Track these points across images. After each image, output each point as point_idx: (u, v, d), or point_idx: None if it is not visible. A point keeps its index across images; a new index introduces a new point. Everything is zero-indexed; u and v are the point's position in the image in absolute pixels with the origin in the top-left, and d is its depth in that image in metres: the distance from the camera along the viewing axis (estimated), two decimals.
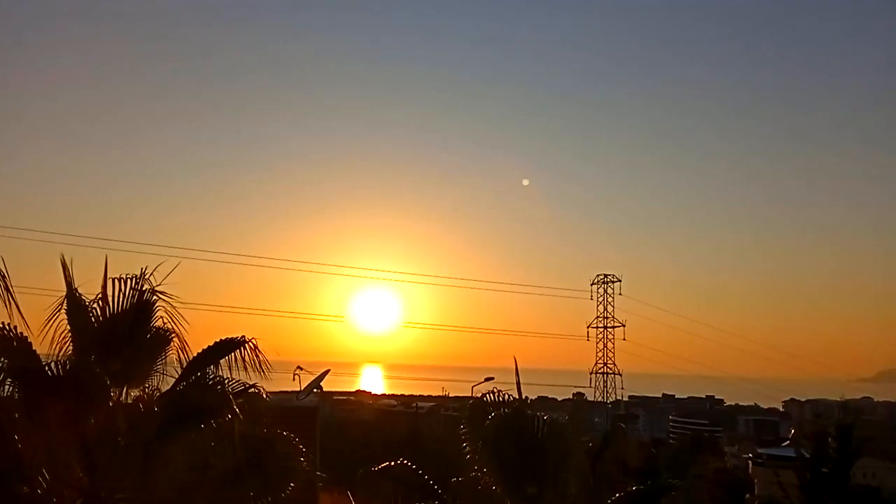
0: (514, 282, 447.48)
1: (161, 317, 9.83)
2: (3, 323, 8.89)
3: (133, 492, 9.36)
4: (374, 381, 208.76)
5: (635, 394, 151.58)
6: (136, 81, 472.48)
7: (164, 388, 9.88)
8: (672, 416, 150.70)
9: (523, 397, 11.12)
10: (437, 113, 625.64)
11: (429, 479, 10.99)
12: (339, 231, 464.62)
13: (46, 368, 9.03)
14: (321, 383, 19.76)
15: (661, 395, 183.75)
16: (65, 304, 9.70)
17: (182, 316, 9.85)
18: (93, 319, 9.77)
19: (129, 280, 9.72)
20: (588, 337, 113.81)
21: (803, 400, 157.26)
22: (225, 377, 9.86)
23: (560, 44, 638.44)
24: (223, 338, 9.97)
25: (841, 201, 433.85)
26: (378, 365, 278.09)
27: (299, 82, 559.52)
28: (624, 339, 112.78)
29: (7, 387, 9.04)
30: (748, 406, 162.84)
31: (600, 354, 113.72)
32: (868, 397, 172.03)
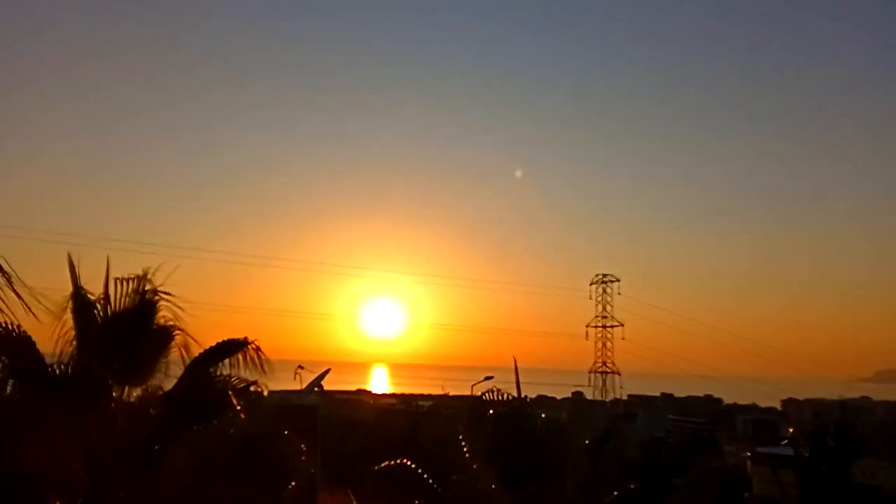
0: (513, 281, 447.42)
1: (163, 316, 9.87)
2: (5, 322, 8.91)
3: (135, 491, 9.40)
4: (379, 380, 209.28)
5: (634, 393, 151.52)
6: (141, 80, 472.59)
7: (167, 387, 9.91)
8: (671, 415, 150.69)
9: (523, 396, 11.17)
10: (433, 112, 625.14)
11: (429, 479, 11.05)
12: (341, 233, 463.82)
13: (49, 368, 9.06)
14: (322, 382, 19.80)
15: (659, 395, 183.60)
16: (71, 304, 9.73)
17: (185, 315, 9.89)
18: (96, 319, 9.81)
19: (131, 280, 9.76)
20: (587, 336, 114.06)
21: (802, 399, 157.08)
22: (226, 376, 9.88)
23: (558, 38, 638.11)
24: (226, 339, 9.99)
25: (841, 201, 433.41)
26: (383, 365, 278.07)
27: (291, 82, 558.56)
28: (623, 339, 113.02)
29: (9, 386, 9.08)
30: (747, 405, 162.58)
31: (599, 354, 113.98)
32: (867, 397, 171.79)
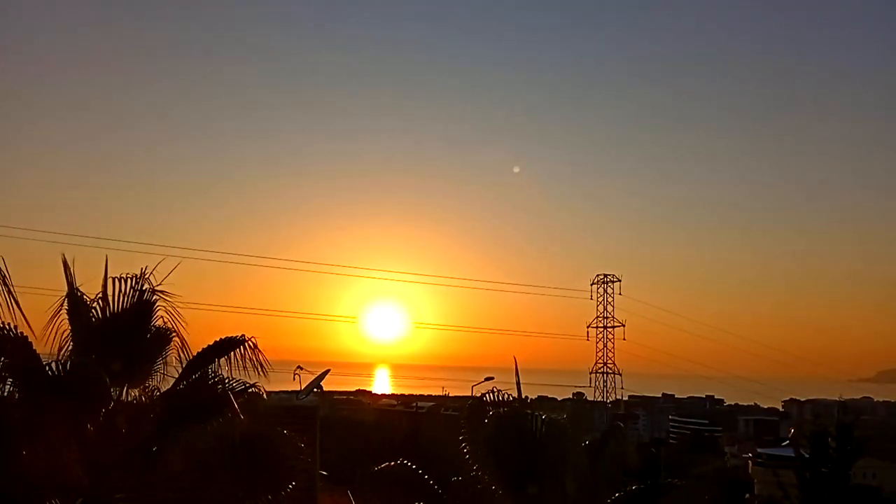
0: (514, 282, 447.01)
1: (161, 317, 9.84)
2: (3, 323, 8.88)
3: (133, 491, 9.37)
4: (380, 381, 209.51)
5: (635, 393, 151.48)
6: (139, 79, 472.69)
7: (165, 387, 9.89)
8: (672, 415, 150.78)
9: (523, 397, 11.13)
10: (431, 112, 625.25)
11: (429, 479, 11.01)
12: (341, 233, 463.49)
13: (47, 368, 9.03)
14: (321, 383, 19.73)
15: (661, 395, 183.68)
16: (65, 304, 9.71)
17: (182, 315, 9.86)
18: (93, 319, 9.78)
19: (129, 280, 9.73)
20: (588, 337, 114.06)
21: (803, 400, 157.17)
22: (225, 377, 9.86)
23: (559, 35, 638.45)
24: (223, 337, 9.98)
25: (841, 201, 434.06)
26: (384, 366, 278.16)
27: (292, 81, 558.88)
28: (624, 339, 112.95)
29: (7, 386, 9.06)
30: (748, 406, 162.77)
31: (600, 354, 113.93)
32: (868, 397, 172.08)
